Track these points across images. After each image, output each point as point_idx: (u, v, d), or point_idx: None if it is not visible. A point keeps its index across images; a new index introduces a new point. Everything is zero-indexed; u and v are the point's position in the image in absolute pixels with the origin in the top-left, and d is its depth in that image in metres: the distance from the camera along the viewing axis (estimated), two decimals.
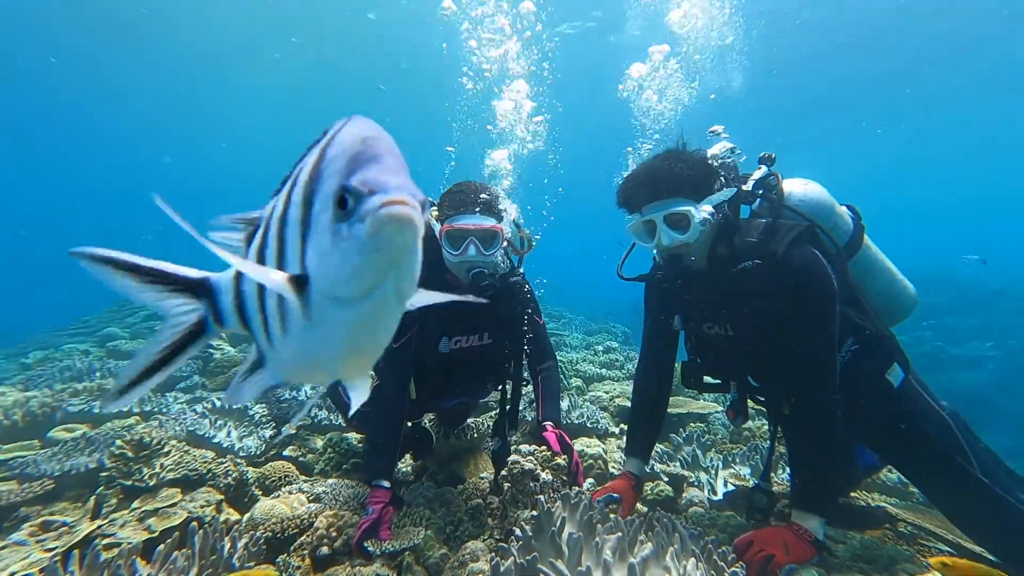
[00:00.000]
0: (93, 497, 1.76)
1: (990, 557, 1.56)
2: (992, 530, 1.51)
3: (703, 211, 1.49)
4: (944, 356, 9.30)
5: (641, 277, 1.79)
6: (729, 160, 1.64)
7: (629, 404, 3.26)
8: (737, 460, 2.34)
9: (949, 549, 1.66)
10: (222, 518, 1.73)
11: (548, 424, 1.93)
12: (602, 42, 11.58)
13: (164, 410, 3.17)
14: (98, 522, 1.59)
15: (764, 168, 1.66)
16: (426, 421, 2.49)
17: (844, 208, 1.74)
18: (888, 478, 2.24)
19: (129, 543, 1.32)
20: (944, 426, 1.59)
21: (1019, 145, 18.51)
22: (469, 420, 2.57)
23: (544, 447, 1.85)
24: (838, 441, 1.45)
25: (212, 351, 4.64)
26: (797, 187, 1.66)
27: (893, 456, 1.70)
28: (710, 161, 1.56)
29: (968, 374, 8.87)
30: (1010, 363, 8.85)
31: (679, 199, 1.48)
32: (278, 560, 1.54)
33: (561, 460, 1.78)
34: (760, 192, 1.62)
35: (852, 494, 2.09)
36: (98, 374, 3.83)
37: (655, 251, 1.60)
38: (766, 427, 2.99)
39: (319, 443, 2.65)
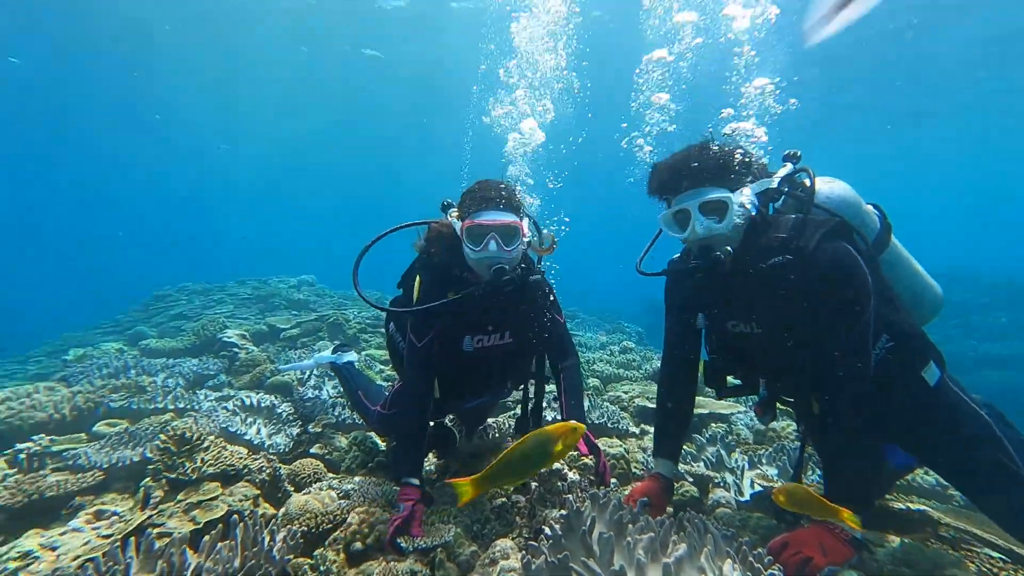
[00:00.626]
0: (142, 489, 1.85)
1: None
2: None
3: (743, 196, 1.47)
4: (973, 354, 9.03)
5: (663, 272, 1.76)
6: (760, 156, 1.62)
7: (649, 404, 3.28)
8: (763, 461, 2.32)
9: (999, 555, 1.61)
10: (260, 512, 1.80)
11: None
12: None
13: (196, 407, 3.29)
14: (148, 512, 1.67)
15: (790, 165, 1.63)
16: (447, 421, 2.53)
17: (870, 207, 1.72)
18: (925, 480, 2.19)
19: (180, 533, 1.39)
20: (983, 423, 1.55)
21: None
22: (490, 420, 2.60)
23: None
24: (871, 436, 1.42)
25: (236, 351, 4.80)
26: (823, 185, 1.64)
27: (931, 456, 1.66)
28: (741, 154, 1.54)
29: (998, 372, 8.59)
30: None
31: (714, 187, 1.47)
32: (315, 554, 1.60)
33: (588, 460, 1.79)
34: (786, 189, 1.59)
35: (888, 497, 2.05)
36: (132, 372, 3.99)
37: (686, 241, 1.58)
38: (791, 428, 2.95)
39: (344, 442, 2.72)
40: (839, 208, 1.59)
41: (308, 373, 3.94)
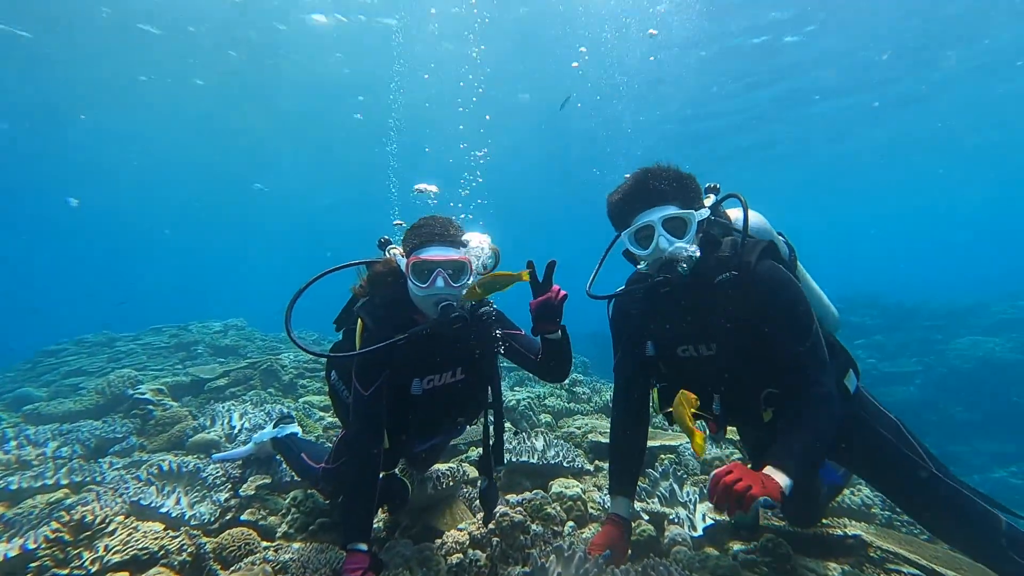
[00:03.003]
0: None
1: (958, 553, 1.66)
2: (949, 522, 1.61)
3: (700, 215, 1.57)
4: (876, 373, 10.16)
5: (614, 295, 1.76)
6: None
7: (602, 439, 3.30)
8: None
9: (917, 572, 1.76)
10: None
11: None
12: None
13: (97, 479, 2.83)
14: None
15: (713, 196, 1.78)
16: (397, 471, 2.39)
17: (778, 234, 1.91)
18: (852, 501, 2.38)
19: None
20: (896, 427, 1.71)
21: (922, 169, 20.61)
22: (444, 466, 2.49)
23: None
24: (832, 429, 1.45)
25: (152, 408, 4.23)
26: (740, 215, 1.76)
27: (854, 460, 1.78)
28: (689, 177, 1.66)
29: (900, 388, 9.72)
30: (931, 376, 9.83)
31: (674, 205, 1.57)
32: None
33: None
34: (712, 218, 1.72)
35: (824, 521, 2.18)
36: (12, 444, 3.36)
37: (649, 259, 1.62)
38: (735, 456, 3.11)
39: (282, 502, 2.46)
40: (759, 234, 1.74)
41: (238, 426, 3.56)
